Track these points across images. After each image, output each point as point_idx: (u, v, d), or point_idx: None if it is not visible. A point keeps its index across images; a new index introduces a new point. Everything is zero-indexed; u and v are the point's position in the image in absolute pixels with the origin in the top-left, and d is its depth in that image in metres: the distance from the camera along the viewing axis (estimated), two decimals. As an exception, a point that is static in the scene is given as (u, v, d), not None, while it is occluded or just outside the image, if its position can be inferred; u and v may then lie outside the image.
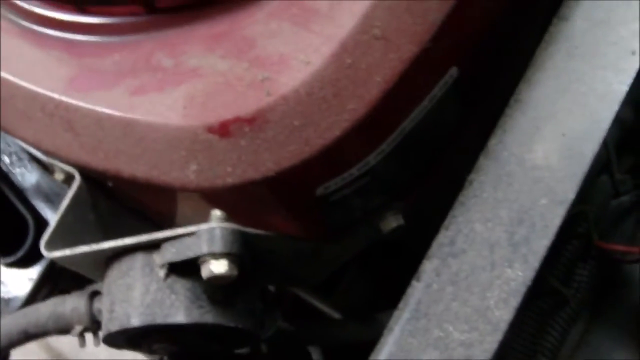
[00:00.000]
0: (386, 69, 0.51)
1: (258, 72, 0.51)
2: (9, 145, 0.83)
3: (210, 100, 0.51)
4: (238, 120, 0.50)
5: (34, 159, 0.81)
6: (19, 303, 0.76)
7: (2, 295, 0.78)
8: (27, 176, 0.81)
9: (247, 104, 0.51)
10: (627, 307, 0.84)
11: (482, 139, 0.57)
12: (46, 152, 0.58)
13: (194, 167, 0.51)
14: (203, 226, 0.51)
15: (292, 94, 0.50)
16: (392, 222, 0.61)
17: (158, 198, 0.57)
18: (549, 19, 0.57)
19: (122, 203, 0.62)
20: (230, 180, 0.51)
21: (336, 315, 0.78)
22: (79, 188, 0.57)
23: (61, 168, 0.59)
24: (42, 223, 0.79)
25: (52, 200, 0.80)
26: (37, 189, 0.81)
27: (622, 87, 0.52)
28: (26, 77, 0.58)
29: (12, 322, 0.60)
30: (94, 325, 0.58)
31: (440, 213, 0.55)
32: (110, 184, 0.59)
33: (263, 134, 0.51)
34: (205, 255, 0.50)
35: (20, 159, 0.82)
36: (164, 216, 0.61)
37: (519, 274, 0.50)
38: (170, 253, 0.52)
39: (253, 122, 0.50)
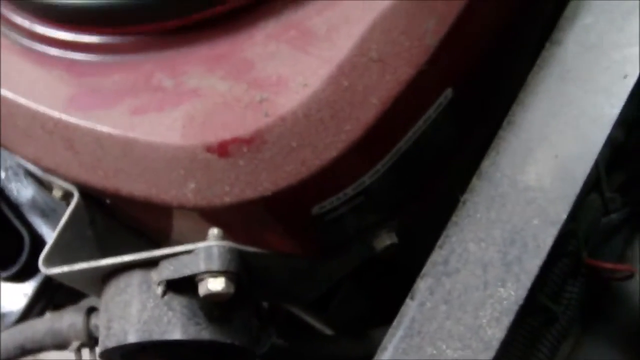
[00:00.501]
0: (382, 90, 0.52)
1: (256, 94, 0.52)
2: (5, 160, 0.84)
3: (209, 121, 0.52)
4: (237, 141, 0.51)
5: (30, 174, 0.81)
6: (13, 318, 0.76)
7: (-2, 310, 0.79)
8: (23, 191, 0.82)
9: (245, 125, 0.51)
10: (616, 324, 0.85)
11: (475, 159, 0.58)
12: (45, 170, 0.59)
13: (192, 185, 0.52)
14: (201, 244, 0.52)
15: (290, 115, 0.51)
16: (385, 240, 0.62)
17: (156, 216, 0.58)
18: (542, 43, 0.58)
19: (120, 221, 0.63)
20: (227, 200, 0.52)
21: (329, 331, 0.79)
22: (77, 205, 0.57)
23: (60, 185, 0.59)
24: (37, 238, 0.79)
25: (48, 215, 0.80)
26: (33, 204, 0.82)
27: (613, 110, 0.53)
28: (26, 95, 0.59)
29: (9, 338, 0.61)
30: (90, 341, 0.58)
31: (433, 232, 0.56)
32: (108, 201, 0.59)
33: (261, 154, 0.51)
34: (202, 273, 0.51)
35: (16, 174, 0.83)
36: (161, 234, 0.62)
37: (512, 293, 0.51)
38: (168, 270, 0.53)
39: (251, 142, 0.51)
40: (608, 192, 0.81)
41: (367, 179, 0.57)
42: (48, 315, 0.61)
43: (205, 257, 0.51)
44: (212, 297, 0.51)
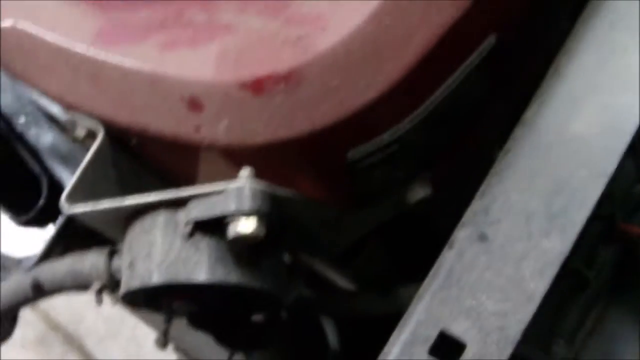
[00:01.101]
0: (426, 31, 0.50)
1: (294, 30, 0.50)
2: (25, 105, 0.82)
3: (244, 57, 0.50)
4: (272, 77, 0.49)
5: (51, 119, 0.79)
6: (31, 262, 0.74)
7: (14, 255, 0.77)
8: (43, 137, 0.80)
9: (282, 61, 0.49)
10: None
11: (511, 114, 0.55)
12: (69, 106, 0.57)
13: (224, 124, 0.50)
14: (232, 184, 0.50)
15: (330, 52, 0.49)
16: (419, 193, 0.60)
17: (183, 157, 0.56)
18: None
19: (145, 163, 0.61)
20: (261, 139, 0.50)
21: (352, 288, 0.77)
22: (102, 143, 0.55)
23: (83, 124, 0.57)
24: (56, 184, 0.77)
25: (68, 161, 0.78)
26: (53, 149, 0.80)
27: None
28: (51, 28, 0.56)
29: (28, 278, 0.59)
30: (112, 282, 0.56)
31: (467, 188, 0.54)
32: (134, 141, 0.57)
33: (297, 93, 0.49)
34: (233, 213, 0.49)
35: (36, 119, 0.81)
36: (187, 178, 0.60)
37: (556, 245, 0.48)
38: (197, 210, 0.51)
39: (288, 79, 0.49)
40: (643, 158, 0.78)
41: (404, 125, 0.54)
42: (69, 256, 0.59)
43: (236, 197, 0.49)
44: (242, 239, 0.49)
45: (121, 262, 0.55)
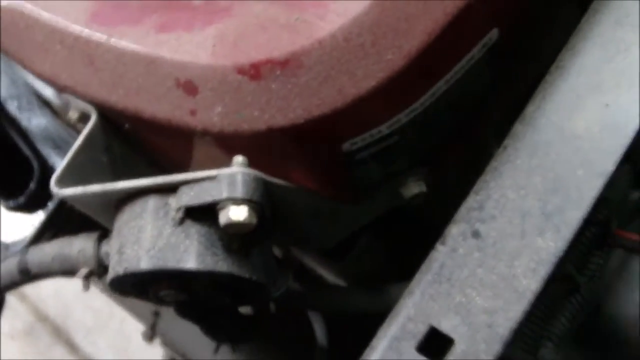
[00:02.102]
0: (428, 20, 0.49)
1: (293, 15, 0.49)
2: (18, 88, 0.81)
3: (241, 41, 0.49)
4: (270, 62, 0.48)
5: (44, 103, 0.79)
6: (19, 247, 0.74)
7: (2, 239, 0.76)
8: (35, 121, 0.79)
9: (280, 46, 0.48)
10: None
11: (511, 111, 0.55)
12: (63, 88, 0.56)
13: (219, 109, 0.49)
14: (224, 170, 0.49)
15: (329, 38, 0.48)
16: (414, 188, 0.59)
17: (177, 142, 0.55)
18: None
19: (137, 148, 0.60)
20: (256, 125, 0.49)
21: (341, 283, 0.76)
22: (94, 126, 0.55)
23: (77, 106, 0.56)
24: (47, 169, 0.77)
25: (60, 147, 0.78)
26: (45, 134, 0.79)
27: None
28: (47, 8, 0.56)
29: (15, 262, 0.58)
30: (100, 268, 0.56)
31: (463, 184, 0.53)
32: (127, 125, 0.56)
33: (295, 79, 0.48)
34: (224, 200, 0.48)
35: (29, 103, 0.80)
36: (180, 164, 0.59)
37: (550, 244, 0.48)
38: (188, 196, 0.50)
39: (285, 65, 0.48)
40: (640, 164, 0.78)
41: (403, 117, 0.53)
42: (57, 240, 0.58)
43: (228, 183, 0.48)
44: (233, 227, 0.48)
45: (109, 248, 0.54)
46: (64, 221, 0.73)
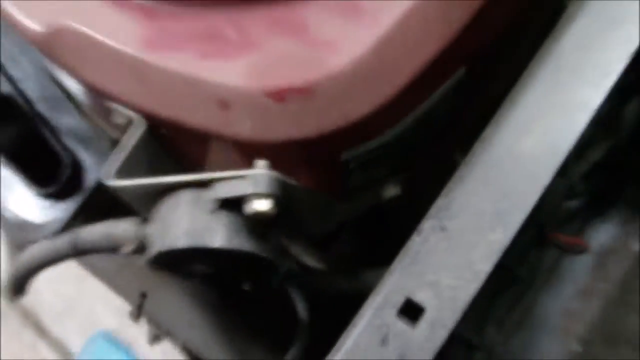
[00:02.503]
0: (414, 61, 0.64)
1: (310, 51, 0.63)
2: (48, 91, 0.92)
3: (269, 70, 0.63)
4: (291, 89, 0.62)
5: (71, 102, 0.90)
6: (53, 228, 0.85)
7: (33, 220, 0.88)
8: (64, 120, 0.91)
9: (299, 76, 0.62)
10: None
11: (472, 129, 0.69)
12: (114, 98, 0.68)
13: (248, 123, 0.63)
14: (251, 171, 0.63)
15: (338, 72, 0.62)
16: (392, 191, 0.74)
17: (208, 148, 0.68)
18: (542, 39, 0.70)
19: (169, 151, 0.73)
20: (277, 137, 0.63)
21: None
22: (144, 131, 0.67)
23: (123, 113, 0.69)
24: (75, 163, 0.89)
25: (86, 142, 0.90)
26: (73, 131, 0.91)
27: (596, 101, 0.65)
28: (104, 31, 0.68)
29: (67, 238, 0.70)
30: (140, 247, 0.68)
31: (431, 190, 0.68)
32: (163, 130, 0.69)
33: (309, 102, 0.62)
34: (251, 194, 0.62)
35: (58, 103, 0.92)
36: (206, 165, 0.72)
37: (500, 237, 0.62)
38: (222, 190, 0.63)
39: (303, 91, 0.62)
40: (573, 178, 0.93)
41: (386, 136, 0.68)
42: (103, 222, 0.70)
43: (256, 181, 0.62)
44: (257, 216, 0.62)
45: (150, 230, 0.67)
46: (97, 206, 0.85)
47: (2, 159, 0.91)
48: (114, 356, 1.90)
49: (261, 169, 0.63)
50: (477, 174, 0.65)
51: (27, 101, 0.93)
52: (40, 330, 2.06)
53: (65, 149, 0.89)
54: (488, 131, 0.66)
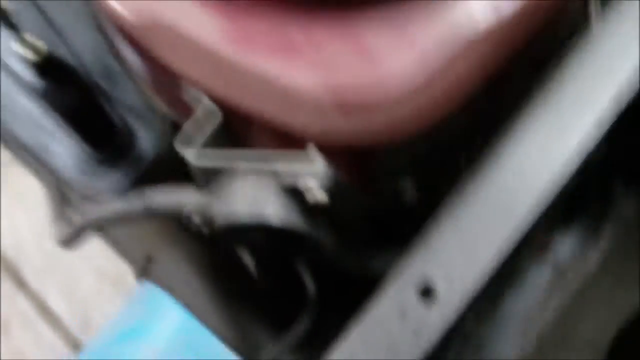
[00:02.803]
0: (462, 93, 0.78)
1: (371, 73, 0.78)
2: (110, 69, 1.05)
3: (337, 87, 0.77)
4: (355, 106, 0.76)
5: (128, 76, 1.02)
6: (109, 190, 0.98)
7: (89, 180, 1.00)
8: (123, 95, 1.03)
9: (362, 98, 0.76)
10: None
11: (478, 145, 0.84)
12: (199, 88, 0.81)
13: (317, 127, 0.77)
14: (314, 165, 0.76)
15: (397, 96, 0.76)
16: (405, 195, 0.89)
17: (274, 139, 0.81)
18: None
19: (236, 139, 0.86)
20: (338, 141, 0.78)
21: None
22: (221, 120, 0.81)
23: (204, 104, 0.81)
24: (131, 134, 1.01)
25: (142, 117, 1.02)
26: (126, 103, 1.03)
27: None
28: (192, 27, 0.80)
29: (141, 199, 0.83)
30: (206, 218, 0.81)
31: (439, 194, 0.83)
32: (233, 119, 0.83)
33: (366, 118, 0.77)
34: (312, 183, 0.75)
35: (119, 80, 1.04)
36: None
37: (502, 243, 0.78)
38: (285, 178, 0.77)
39: (362, 108, 0.77)
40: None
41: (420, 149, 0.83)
42: (173, 189, 0.82)
43: (316, 173, 0.75)
44: (314, 201, 0.76)
45: (215, 203, 0.80)
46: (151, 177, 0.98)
47: (59, 120, 1.03)
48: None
49: (319, 161, 0.75)
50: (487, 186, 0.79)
51: (85, 69, 1.04)
52: (19, 282, 2.13)
53: (120, 117, 1.01)
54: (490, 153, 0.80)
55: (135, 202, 0.83)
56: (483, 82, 0.80)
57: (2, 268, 2.13)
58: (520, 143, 0.80)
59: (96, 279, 2.06)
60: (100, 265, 2.06)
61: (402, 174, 0.88)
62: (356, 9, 0.79)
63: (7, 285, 2.12)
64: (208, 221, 0.81)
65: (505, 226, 0.79)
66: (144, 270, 1.32)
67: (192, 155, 0.79)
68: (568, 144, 0.80)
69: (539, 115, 0.82)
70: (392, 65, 0.78)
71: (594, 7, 0.93)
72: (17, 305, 2.10)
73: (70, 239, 0.92)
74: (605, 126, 0.80)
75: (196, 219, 0.80)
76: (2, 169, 2.10)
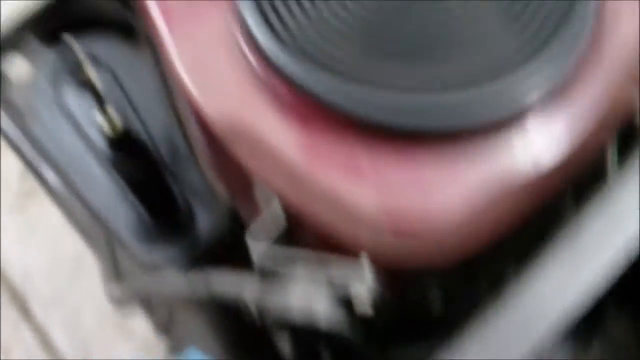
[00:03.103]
0: (500, 228, 0.89)
1: (423, 205, 0.89)
2: (175, 148, 1.15)
3: (391, 216, 0.87)
4: (405, 233, 0.87)
5: (194, 157, 1.12)
6: (167, 264, 1.07)
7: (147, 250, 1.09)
8: (187, 175, 1.13)
9: (407, 225, 0.88)
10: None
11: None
12: (271, 189, 0.91)
13: (371, 243, 0.88)
14: (364, 279, 0.86)
15: (431, 234, 0.87)
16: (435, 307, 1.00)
17: (332, 247, 0.92)
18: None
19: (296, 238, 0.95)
20: (386, 257, 0.88)
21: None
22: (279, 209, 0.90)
23: (274, 209, 0.91)
24: (191, 215, 1.11)
25: (200, 195, 1.11)
26: (188, 182, 1.12)
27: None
28: (269, 133, 0.90)
29: (198, 279, 0.92)
30: (260, 309, 0.90)
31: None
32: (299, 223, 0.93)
33: (411, 244, 0.88)
34: (361, 292, 0.86)
35: (182, 160, 1.14)
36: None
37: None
38: (337, 283, 0.87)
39: (408, 236, 0.87)
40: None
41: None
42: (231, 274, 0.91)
43: (365, 285, 0.86)
44: (362, 312, 0.86)
45: (270, 296, 0.89)
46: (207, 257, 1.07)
47: (126, 188, 1.13)
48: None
49: (369, 269, 0.85)
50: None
51: (155, 145, 1.15)
52: (24, 311, 2.15)
53: (182, 195, 1.11)
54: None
55: (199, 283, 0.92)
56: (517, 224, 0.91)
57: (9, 296, 2.15)
58: (540, 277, 0.90)
59: (100, 319, 2.11)
60: (106, 305, 2.11)
61: (433, 290, 0.99)
62: (417, 141, 0.90)
63: (13, 314, 2.14)
64: (262, 310, 0.90)
65: (520, 351, 0.88)
66: (165, 327, 1.38)
67: (259, 253, 0.89)
68: (582, 281, 0.90)
69: (558, 254, 0.93)
70: (440, 199, 0.89)
71: (611, 159, 1.05)
72: (20, 334, 2.12)
73: (126, 301, 1.01)
74: (616, 270, 0.90)
75: (252, 307, 0.90)
76: (22, 199, 2.17)
